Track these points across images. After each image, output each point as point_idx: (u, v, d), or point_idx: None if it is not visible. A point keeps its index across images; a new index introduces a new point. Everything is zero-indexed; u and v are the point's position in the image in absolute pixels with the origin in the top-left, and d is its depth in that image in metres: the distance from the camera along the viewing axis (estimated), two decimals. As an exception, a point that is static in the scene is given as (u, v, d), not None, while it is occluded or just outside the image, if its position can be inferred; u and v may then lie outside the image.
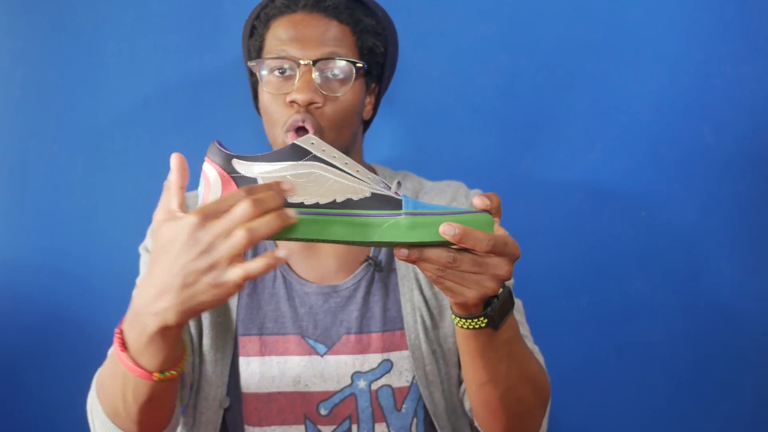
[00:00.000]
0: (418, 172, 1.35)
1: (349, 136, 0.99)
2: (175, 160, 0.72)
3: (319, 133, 0.94)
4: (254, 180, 0.71)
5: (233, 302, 0.99)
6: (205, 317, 0.99)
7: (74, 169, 1.30)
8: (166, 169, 1.32)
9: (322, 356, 0.98)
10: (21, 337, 1.31)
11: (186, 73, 1.31)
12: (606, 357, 1.36)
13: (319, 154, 0.71)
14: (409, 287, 1.00)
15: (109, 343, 1.31)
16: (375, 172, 1.09)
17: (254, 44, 1.01)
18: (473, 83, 1.33)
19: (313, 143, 0.72)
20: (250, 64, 0.99)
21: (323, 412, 0.97)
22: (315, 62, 0.93)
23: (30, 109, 1.30)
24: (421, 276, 1.00)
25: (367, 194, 0.71)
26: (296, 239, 0.71)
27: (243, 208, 0.65)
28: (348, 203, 0.70)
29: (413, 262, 0.70)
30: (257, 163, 0.71)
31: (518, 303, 1.02)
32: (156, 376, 0.74)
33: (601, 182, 1.34)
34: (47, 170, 1.30)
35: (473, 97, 1.33)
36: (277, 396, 0.97)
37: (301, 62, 0.93)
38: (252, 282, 1.00)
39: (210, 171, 0.73)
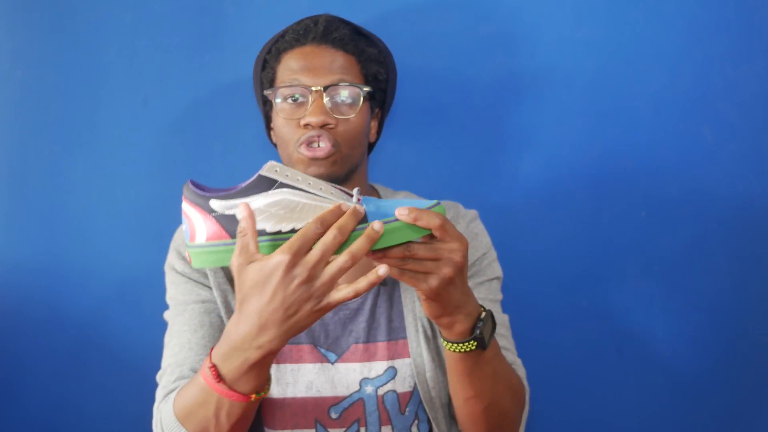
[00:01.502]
0: (417, 172, 1.36)
1: (359, 155, 1.05)
2: (244, 210, 0.76)
3: (336, 147, 1.00)
4: (232, 217, 0.77)
5: None
6: None
7: (74, 169, 1.30)
8: (166, 169, 1.32)
9: (332, 364, 1.03)
10: (21, 338, 1.31)
11: (186, 73, 1.31)
12: (606, 357, 1.36)
13: (284, 180, 0.77)
14: (411, 299, 1.05)
15: (110, 344, 1.31)
16: (378, 193, 1.14)
17: (267, 76, 1.07)
18: (473, 83, 1.33)
19: (276, 170, 0.78)
20: (266, 92, 1.04)
21: (333, 415, 1.02)
22: (325, 88, 1.00)
23: (30, 109, 1.30)
24: None
25: None
26: None
27: (333, 235, 0.74)
28: None
29: (378, 260, 0.79)
30: (233, 200, 0.77)
31: (504, 318, 1.08)
32: (253, 396, 0.81)
33: (601, 182, 1.34)
34: (47, 170, 1.30)
35: (473, 97, 1.34)
36: (290, 401, 1.02)
37: (313, 89, 0.99)
38: None
39: (190, 210, 0.78)
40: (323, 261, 0.74)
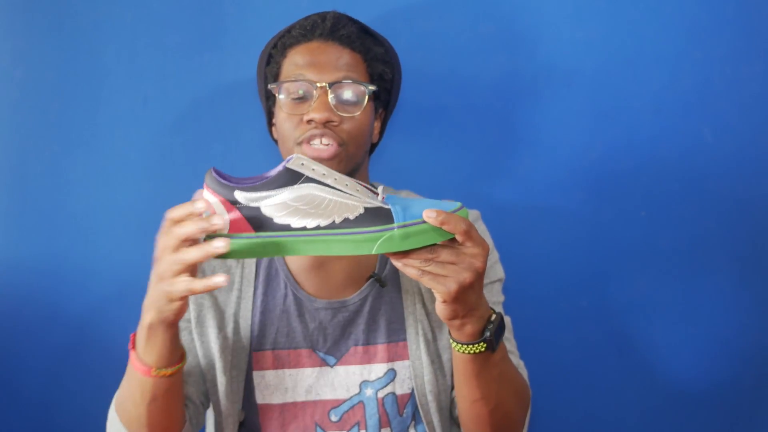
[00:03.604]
0: (417, 172, 1.35)
1: (362, 154, 1.04)
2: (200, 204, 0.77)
3: (343, 147, 0.99)
4: (257, 209, 0.76)
5: (246, 322, 1.03)
6: (217, 351, 1.01)
7: (74, 169, 1.30)
8: (166, 169, 1.32)
9: (332, 367, 1.03)
10: (21, 338, 1.31)
11: (186, 73, 1.31)
12: (606, 357, 1.36)
13: (310, 174, 0.76)
14: (411, 301, 1.04)
15: (110, 343, 1.31)
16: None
17: (271, 71, 1.07)
18: (473, 83, 1.33)
19: (303, 164, 0.77)
20: (270, 86, 1.03)
21: (334, 418, 1.02)
22: (330, 85, 0.99)
23: (30, 109, 1.30)
24: (423, 291, 1.05)
25: (361, 211, 0.77)
26: (305, 254, 0.79)
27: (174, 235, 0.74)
28: (346, 222, 0.77)
29: (400, 260, 0.79)
30: (258, 192, 0.76)
31: (507, 320, 1.07)
32: (153, 371, 0.83)
33: (601, 182, 1.34)
34: (47, 170, 1.30)
35: (473, 97, 1.34)
36: (290, 406, 1.02)
37: (318, 85, 0.99)
38: (264, 300, 1.04)
39: (211, 198, 0.76)
40: (165, 261, 0.75)
